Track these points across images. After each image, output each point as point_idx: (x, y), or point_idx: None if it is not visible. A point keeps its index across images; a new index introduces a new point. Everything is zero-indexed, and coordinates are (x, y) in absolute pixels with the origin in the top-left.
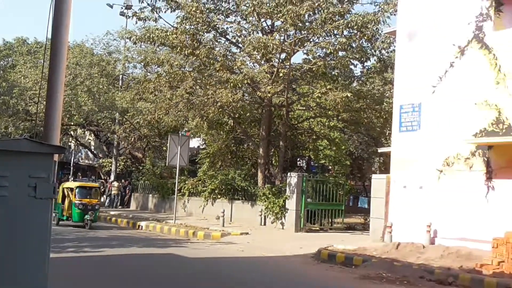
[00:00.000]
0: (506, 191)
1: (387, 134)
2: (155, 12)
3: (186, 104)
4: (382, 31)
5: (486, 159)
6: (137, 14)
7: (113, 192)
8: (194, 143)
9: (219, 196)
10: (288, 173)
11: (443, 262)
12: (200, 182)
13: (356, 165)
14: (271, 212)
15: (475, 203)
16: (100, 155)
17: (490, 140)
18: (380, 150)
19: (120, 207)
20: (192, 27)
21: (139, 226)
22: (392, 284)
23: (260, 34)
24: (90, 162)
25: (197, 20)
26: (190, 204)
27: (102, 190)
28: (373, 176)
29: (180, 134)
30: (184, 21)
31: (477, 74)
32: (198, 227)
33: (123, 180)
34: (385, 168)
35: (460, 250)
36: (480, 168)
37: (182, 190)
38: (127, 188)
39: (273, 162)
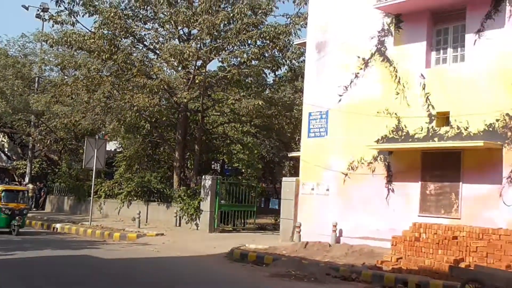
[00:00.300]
0: (404, 193)
1: (297, 139)
2: (72, 16)
3: (103, 108)
4: (293, 42)
5: (387, 164)
6: (54, 17)
7: None
8: (111, 146)
9: (135, 198)
10: (203, 176)
11: (347, 259)
12: (116, 184)
13: (268, 169)
14: (186, 214)
15: (377, 204)
16: (14, 157)
17: (390, 146)
18: (290, 154)
19: (34, 209)
20: (110, 32)
21: (54, 228)
22: (301, 281)
23: (177, 42)
24: (3, 164)
25: (115, 25)
26: (106, 206)
27: None
28: (284, 179)
29: (97, 137)
30: (102, 26)
31: (380, 85)
32: (114, 228)
33: (38, 183)
34: (295, 171)
35: (363, 248)
36: (381, 172)
37: (98, 193)
38: (42, 190)
39: (189, 165)
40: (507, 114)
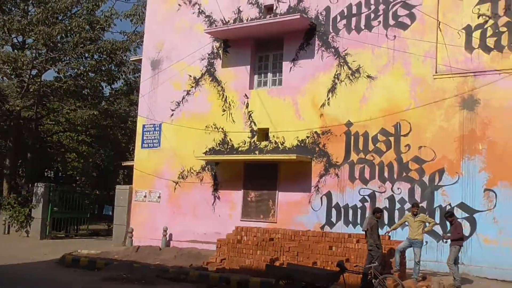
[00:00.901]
0: (229, 200)
1: (131, 150)
2: None
3: None
4: (129, 58)
5: (214, 173)
6: None
7: None
8: None
9: None
10: (36, 183)
11: (176, 262)
12: None
13: (103, 177)
14: (16, 221)
15: (205, 211)
16: None
17: (216, 158)
18: (125, 163)
19: None
20: None
21: None
22: (132, 283)
23: (11, 49)
24: None
25: None
26: None
27: None
28: (117, 186)
29: None
30: None
31: (209, 102)
32: None
33: None
34: (129, 179)
35: (191, 251)
36: (209, 180)
37: None
38: None
39: (20, 172)
40: (316, 132)
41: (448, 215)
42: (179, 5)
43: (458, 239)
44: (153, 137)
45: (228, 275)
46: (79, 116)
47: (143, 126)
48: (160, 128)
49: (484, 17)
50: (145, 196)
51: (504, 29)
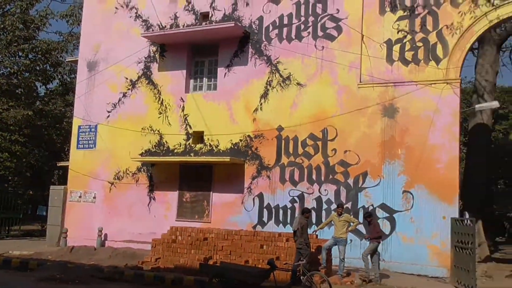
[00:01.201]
0: (164, 201)
1: (66, 150)
2: None
3: None
4: (65, 59)
5: (149, 175)
6: None
7: None
8: None
9: None
10: None
11: (111, 261)
12: None
13: (37, 177)
14: None
15: (140, 211)
16: None
17: (152, 159)
18: (60, 164)
19: None
20: None
21: None
22: (65, 284)
23: None
24: None
25: None
26: None
27: None
28: (52, 187)
29: None
30: None
31: (145, 104)
32: None
33: None
34: (64, 180)
35: (126, 251)
36: (145, 181)
37: None
38: None
39: None
40: (249, 136)
41: (367, 215)
42: (116, 8)
43: (377, 237)
44: (88, 138)
45: (163, 274)
46: (12, 116)
47: (79, 127)
48: (96, 129)
49: (403, 32)
50: (80, 197)
51: (420, 44)
